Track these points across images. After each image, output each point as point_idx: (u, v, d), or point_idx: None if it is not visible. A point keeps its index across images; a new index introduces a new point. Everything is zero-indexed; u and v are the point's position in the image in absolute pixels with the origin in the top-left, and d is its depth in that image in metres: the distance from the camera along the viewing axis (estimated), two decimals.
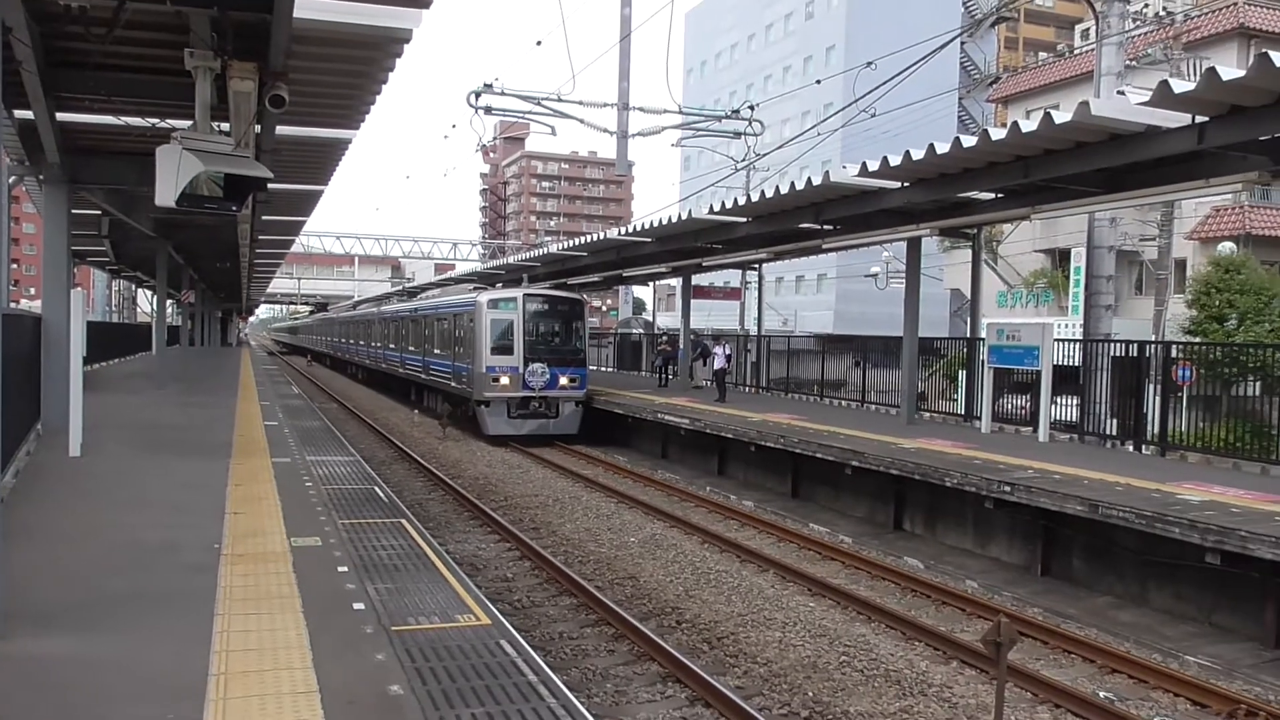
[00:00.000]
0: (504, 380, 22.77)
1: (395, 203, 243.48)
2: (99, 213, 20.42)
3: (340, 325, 57.25)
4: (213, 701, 4.40)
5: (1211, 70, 9.31)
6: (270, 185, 10.98)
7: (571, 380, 23.31)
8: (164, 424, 14.90)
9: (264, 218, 21.34)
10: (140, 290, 54.36)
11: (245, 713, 4.30)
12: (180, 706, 4.35)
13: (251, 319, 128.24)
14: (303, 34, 8.50)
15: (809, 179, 15.71)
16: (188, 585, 6.20)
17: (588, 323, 24.76)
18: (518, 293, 23.95)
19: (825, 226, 18.28)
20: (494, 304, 23.46)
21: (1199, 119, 10.40)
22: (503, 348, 22.96)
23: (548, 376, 22.89)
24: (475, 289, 28.32)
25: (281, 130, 11.67)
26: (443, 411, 27.04)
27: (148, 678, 4.71)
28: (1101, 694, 8.16)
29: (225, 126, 9.53)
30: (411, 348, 32.38)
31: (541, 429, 23.23)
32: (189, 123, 9.01)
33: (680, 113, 23.54)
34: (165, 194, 8.54)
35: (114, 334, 39.15)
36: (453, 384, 25.83)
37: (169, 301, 41.47)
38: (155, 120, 11.14)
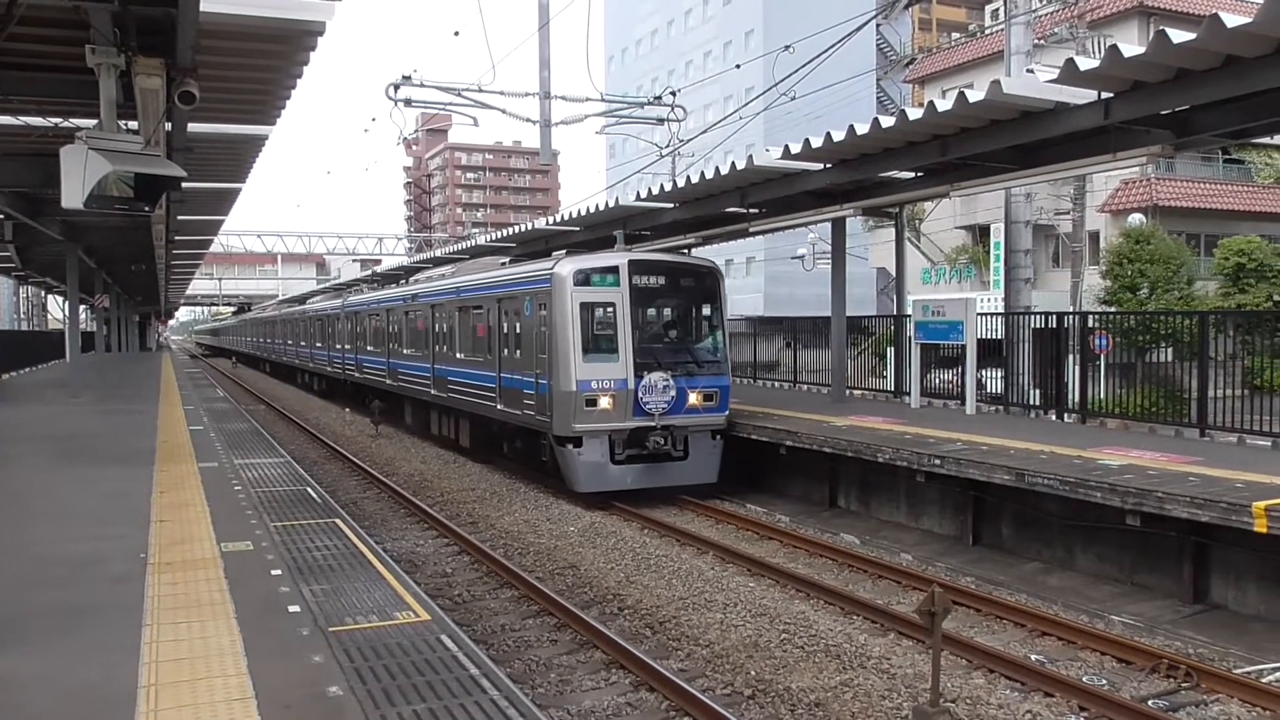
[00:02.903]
0: (604, 402, 14.35)
1: (317, 199, 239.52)
2: (1, 216, 19.71)
3: (283, 325, 46.40)
4: (144, 714, 4.30)
5: (1114, 48, 9.56)
6: (184, 184, 10.76)
7: (707, 398, 15.00)
8: (82, 433, 14.48)
9: (180, 217, 20.79)
10: (51, 296, 52.71)
11: None
12: None
13: (172, 322, 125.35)
14: (211, 28, 8.28)
15: (733, 163, 15.81)
16: (114, 596, 6.05)
17: (726, 303, 16.18)
18: (620, 258, 15.03)
19: (751, 210, 18.41)
20: (583, 277, 14.65)
21: (1105, 95, 10.68)
22: (601, 348, 14.63)
23: (674, 393, 14.61)
24: (512, 260, 20.80)
25: (194, 127, 11.37)
26: (379, 409, 26.13)
27: (74, 693, 4.58)
28: (1033, 657, 8.40)
29: (133, 125, 9.26)
30: (408, 350, 23.40)
31: (662, 477, 14.88)
32: (94, 122, 8.74)
33: (603, 100, 23.47)
34: (72, 196, 8.28)
35: (23, 342, 38.01)
36: (498, 407, 16.99)
37: (82, 307, 40.28)
38: (58, 120, 10.77)
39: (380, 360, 26.19)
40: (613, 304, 14.70)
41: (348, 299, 32.21)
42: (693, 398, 14.86)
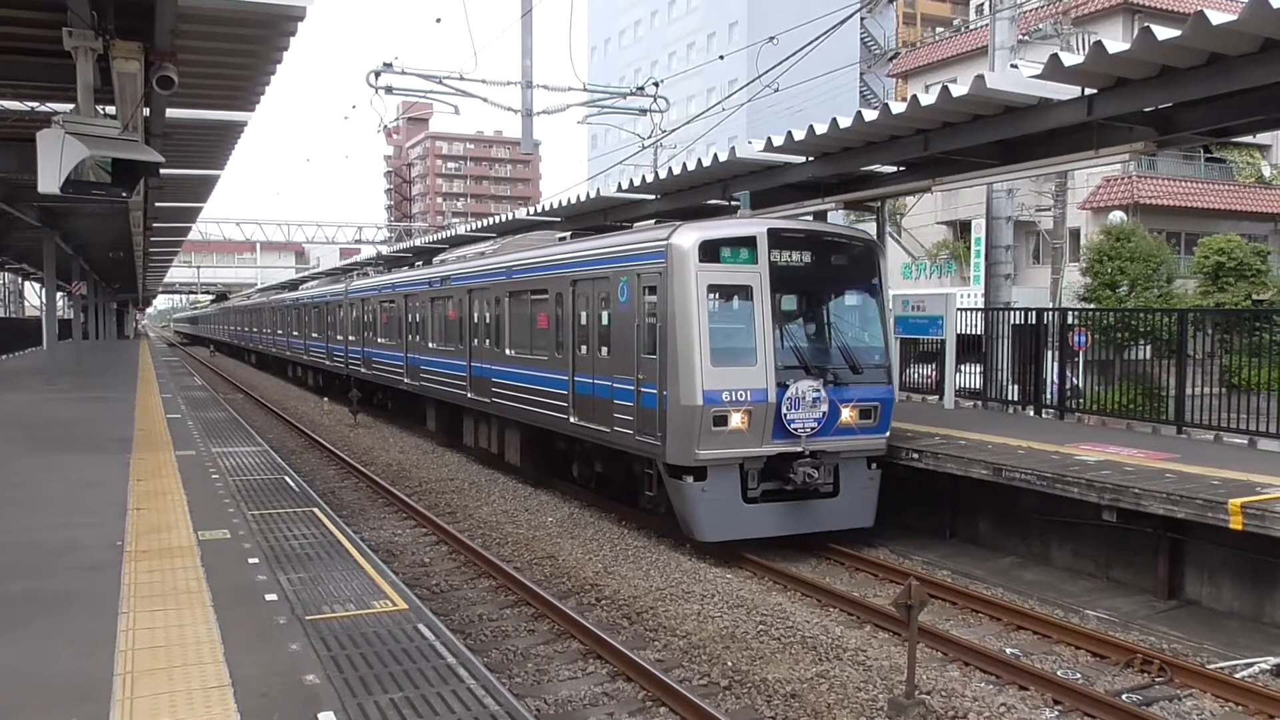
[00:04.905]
0: (735, 420, 10.91)
1: (296, 187, 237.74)
2: None
3: (273, 313, 41.94)
4: (119, 702, 4.27)
5: (1099, 44, 9.59)
6: (162, 170, 10.64)
7: (864, 414, 11.57)
8: (59, 420, 14.36)
9: (157, 204, 20.60)
10: (27, 283, 52.22)
11: (154, 711, 4.19)
12: (85, 709, 4.22)
13: (149, 310, 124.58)
14: (189, 12, 8.20)
15: (715, 155, 15.78)
16: (90, 585, 6.01)
17: (887, 285, 12.68)
18: (756, 226, 11.53)
19: (733, 202, 18.39)
20: (711, 251, 11.12)
21: (1088, 91, 10.71)
22: (732, 349, 11.13)
23: (825, 408, 11.23)
24: (573, 235, 16.59)
25: (172, 113, 11.28)
26: (357, 399, 25.73)
27: (49, 681, 4.55)
28: (1008, 650, 8.45)
29: (111, 110, 9.17)
30: (435, 344, 19.98)
31: (807, 520, 11.45)
32: (72, 106, 8.65)
33: (585, 90, 23.38)
34: (48, 181, 8.20)
35: None
36: (571, 420, 13.43)
37: (59, 294, 39.92)
38: (35, 104, 10.67)
39: (395, 355, 22.62)
40: (748, 287, 11.22)
41: (352, 283, 28.33)
42: (846, 413, 11.41)
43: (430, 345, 20.24)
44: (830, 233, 12.66)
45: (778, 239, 11.41)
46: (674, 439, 11.00)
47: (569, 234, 17.31)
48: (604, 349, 12.75)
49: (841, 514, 11.58)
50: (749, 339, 11.12)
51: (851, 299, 12.50)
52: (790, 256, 11.55)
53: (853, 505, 11.61)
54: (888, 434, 11.86)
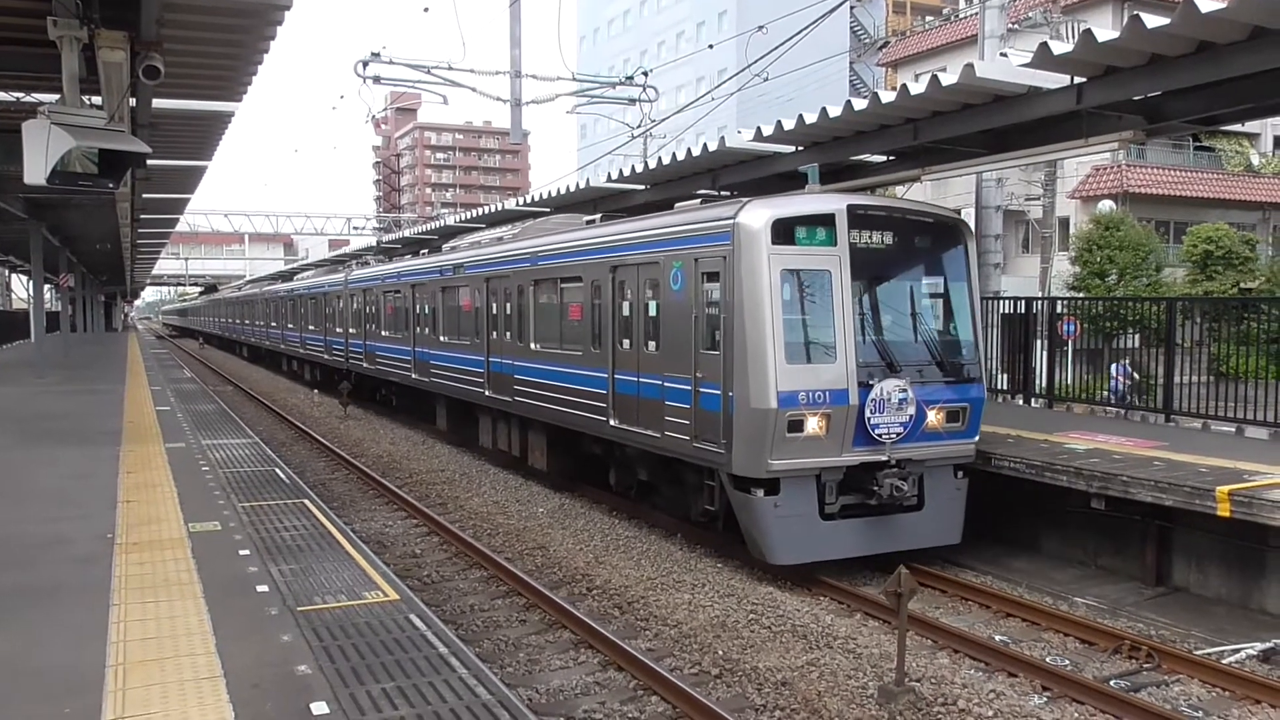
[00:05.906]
0: (812, 425, 9.66)
1: (284, 178, 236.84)
2: None
3: (266, 304, 40.24)
4: (111, 693, 4.28)
5: (1088, 32, 9.60)
6: (149, 161, 10.61)
7: (951, 416, 10.41)
8: (47, 413, 14.31)
9: (145, 195, 20.51)
10: (14, 275, 51.97)
11: (146, 702, 4.19)
12: (77, 701, 4.22)
13: (137, 302, 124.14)
14: (175, 1, 8.16)
15: (705, 145, 15.75)
16: (80, 577, 6.00)
17: (976, 270, 11.41)
18: (835, 203, 10.33)
19: (723, 192, 18.38)
20: (784, 231, 9.86)
21: (1077, 80, 10.72)
22: (808, 343, 9.92)
23: (912, 410, 9.99)
24: (603, 218, 15.26)
25: (159, 103, 11.22)
26: (347, 391, 25.57)
27: (40, 674, 4.54)
28: (997, 637, 8.51)
29: (97, 100, 9.12)
30: (447, 338, 18.86)
31: (890, 538, 10.22)
32: (57, 96, 8.60)
33: (574, 80, 23.32)
34: (35, 172, 8.15)
35: None
36: (611, 423, 12.32)
37: (47, 286, 39.72)
38: (20, 94, 10.61)
39: (402, 349, 21.35)
40: (826, 272, 9.93)
41: (352, 273, 26.88)
42: (932, 416, 10.18)
43: (442, 338, 19.01)
44: (915, 210, 11.30)
45: (858, 217, 10.19)
46: (742, 446, 9.75)
47: (598, 216, 16.01)
48: (652, 343, 11.49)
49: (927, 530, 10.44)
50: (827, 332, 9.86)
51: (938, 286, 11.03)
52: (871, 237, 10.34)
53: (939, 519, 10.46)
54: (977, 438, 10.73)
